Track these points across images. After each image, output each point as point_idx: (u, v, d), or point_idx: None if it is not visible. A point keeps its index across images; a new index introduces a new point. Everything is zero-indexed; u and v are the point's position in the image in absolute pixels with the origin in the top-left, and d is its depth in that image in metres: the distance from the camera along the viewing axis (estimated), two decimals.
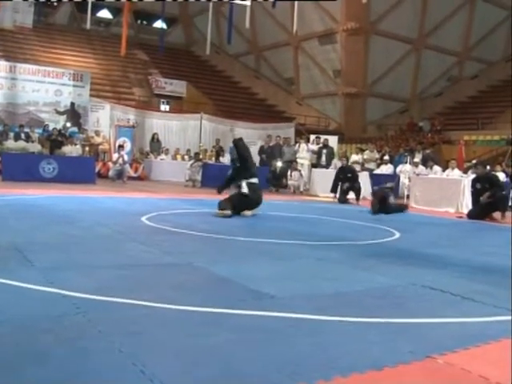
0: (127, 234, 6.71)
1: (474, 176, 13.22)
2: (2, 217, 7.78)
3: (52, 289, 3.83)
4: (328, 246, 6.73)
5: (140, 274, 4.53)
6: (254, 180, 10.24)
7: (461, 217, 12.61)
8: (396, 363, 2.82)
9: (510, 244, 7.29)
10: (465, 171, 17.30)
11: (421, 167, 18.43)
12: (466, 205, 13.77)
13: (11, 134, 21.35)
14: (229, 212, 9.43)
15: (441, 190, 13.88)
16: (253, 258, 5.68)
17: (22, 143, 20.37)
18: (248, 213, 9.85)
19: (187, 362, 2.71)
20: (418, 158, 19.83)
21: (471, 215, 12.30)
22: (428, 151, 21.39)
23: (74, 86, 25.46)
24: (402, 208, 12.65)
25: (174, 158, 24.20)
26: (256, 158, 23.13)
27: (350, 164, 17.74)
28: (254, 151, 23.48)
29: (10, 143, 20.41)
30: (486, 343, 3.21)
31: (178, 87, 34.10)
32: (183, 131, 27.42)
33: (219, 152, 22.77)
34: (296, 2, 23.48)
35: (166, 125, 27.20)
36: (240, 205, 9.89)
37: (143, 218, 8.31)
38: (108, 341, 2.89)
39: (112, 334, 2.98)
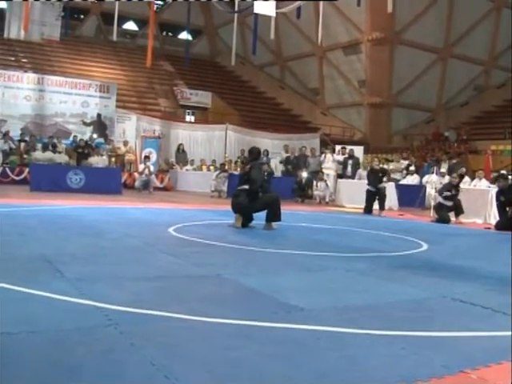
0: (156, 246, 6.74)
1: (497, 189, 13.16)
2: (31, 228, 7.87)
3: (83, 300, 3.86)
4: (357, 258, 6.71)
5: (170, 286, 4.55)
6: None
7: (489, 228, 12.49)
8: (429, 377, 2.79)
9: (510, 253, 7.25)
10: (492, 181, 17.14)
11: (447, 177, 18.28)
12: (494, 215, 13.66)
13: (39, 145, 21.65)
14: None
15: (468, 201, 13.75)
16: (281, 269, 5.68)
17: (49, 154, 20.63)
18: (274, 225, 9.71)
19: (218, 374, 2.71)
20: (444, 168, 19.69)
21: (499, 226, 12.21)
22: (454, 161, 21.22)
23: (100, 97, 25.75)
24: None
25: (200, 168, 24.30)
26: (279, 168, 23.22)
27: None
28: (278, 162, 23.57)
29: (38, 154, 20.69)
30: None
31: (204, 98, 34.28)
32: (208, 142, 27.55)
33: (244, 162, 22.81)
34: (321, 13, 23.47)
35: (191, 135, 27.35)
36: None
37: (170, 229, 8.35)
38: (140, 353, 2.90)
39: (144, 347, 3.00)
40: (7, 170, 20.02)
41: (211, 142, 27.51)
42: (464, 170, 13.89)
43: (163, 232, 8.10)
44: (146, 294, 4.19)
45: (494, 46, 34.95)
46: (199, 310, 3.74)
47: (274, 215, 9.61)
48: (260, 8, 19.60)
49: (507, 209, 12.22)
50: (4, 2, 34.43)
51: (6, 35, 32.88)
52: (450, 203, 13.47)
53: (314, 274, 5.52)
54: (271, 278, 5.13)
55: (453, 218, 13.53)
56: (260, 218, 9.66)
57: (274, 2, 19.58)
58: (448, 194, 13.57)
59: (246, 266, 5.76)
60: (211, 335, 3.32)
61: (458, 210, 13.48)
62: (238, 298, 4.30)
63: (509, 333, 3.67)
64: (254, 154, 10.32)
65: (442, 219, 13.29)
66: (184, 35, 40.36)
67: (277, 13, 21.67)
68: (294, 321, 3.66)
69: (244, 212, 9.65)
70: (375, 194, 15.19)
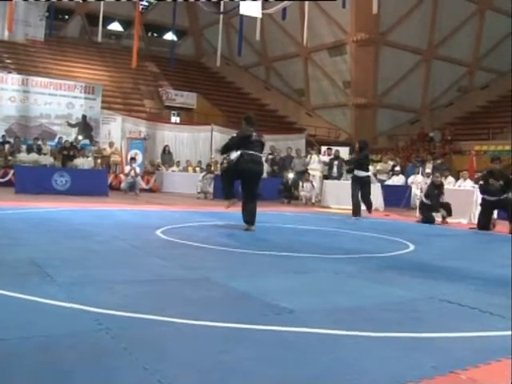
0: (144, 249, 6.74)
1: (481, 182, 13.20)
2: (17, 230, 7.83)
3: (73, 305, 3.85)
4: (344, 259, 6.74)
5: (160, 290, 4.55)
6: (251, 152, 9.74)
7: (473, 228, 12.59)
8: (419, 378, 2.82)
9: (511, 254, 7.31)
10: (476, 181, 17.27)
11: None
12: None
13: (23, 147, 21.52)
14: (253, 228, 9.43)
15: (453, 201, 13.84)
16: (270, 271, 5.70)
17: (34, 156, 20.51)
18: (252, 228, 9.49)
19: (212, 378, 2.73)
20: (429, 169, 19.83)
21: (480, 225, 12.27)
22: (439, 161, 21.37)
23: (85, 98, 25.67)
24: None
25: (186, 169, 24.28)
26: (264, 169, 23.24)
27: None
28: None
29: (23, 156, 20.56)
30: (507, 358, 3.21)
31: (189, 99, 34.26)
32: (194, 143, 27.53)
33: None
34: (306, 14, 23.54)
35: (176, 137, 27.32)
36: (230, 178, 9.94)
37: (158, 232, 8.34)
38: (133, 358, 2.91)
39: (136, 351, 3.00)
40: None
41: (197, 143, 27.49)
42: (438, 180, 14.08)
43: (151, 234, 8.09)
44: (136, 298, 4.19)
45: (477, 47, 35.25)
46: (190, 314, 3.75)
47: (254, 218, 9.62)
48: (246, 9, 19.64)
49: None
50: None
51: None
52: (429, 202, 13.56)
53: (302, 276, 5.54)
54: (260, 281, 5.15)
55: (438, 219, 13.61)
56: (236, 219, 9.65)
57: (260, 3, 19.60)
58: (429, 192, 13.70)
59: (235, 269, 5.78)
60: (202, 339, 3.33)
61: (447, 211, 13.53)
62: (227, 301, 4.32)
63: (496, 333, 3.73)
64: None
65: (427, 220, 13.37)
66: (169, 36, 40.31)
67: (262, 14, 21.71)
68: (284, 323, 3.68)
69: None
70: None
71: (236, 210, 10.16)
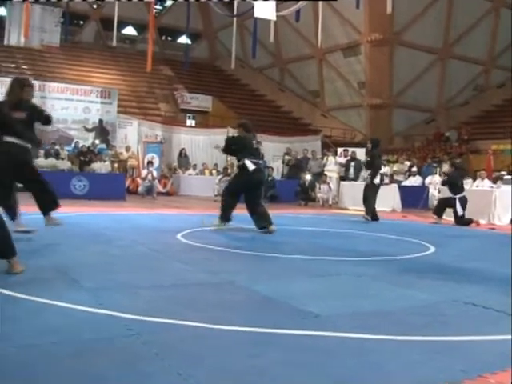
0: (165, 253, 6.79)
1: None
2: (39, 236, 7.87)
3: (102, 310, 3.90)
4: (366, 262, 6.75)
5: (185, 294, 4.59)
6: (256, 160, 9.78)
7: (493, 228, 12.55)
8: (447, 382, 2.84)
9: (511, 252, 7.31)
10: (494, 181, 17.21)
11: None
12: (498, 216, 13.73)
13: (41, 152, 21.69)
14: (273, 227, 9.44)
15: (471, 201, 13.78)
16: (292, 275, 5.72)
17: (52, 161, 20.71)
18: (273, 228, 9.51)
19: (244, 382, 2.77)
20: (446, 169, 19.75)
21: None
22: (457, 161, 21.26)
23: (101, 103, 25.84)
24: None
25: (202, 172, 24.36)
26: (280, 171, 23.30)
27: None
28: (279, 164, 23.68)
29: (41, 161, 20.71)
30: None
31: (204, 102, 34.39)
32: (210, 146, 27.56)
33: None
34: (320, 16, 23.54)
35: (192, 140, 27.41)
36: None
37: (179, 236, 8.39)
38: (165, 363, 2.95)
39: (168, 356, 3.04)
40: None
41: (213, 146, 27.52)
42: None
43: (172, 238, 8.14)
44: (162, 303, 4.24)
45: (493, 45, 35.05)
46: (216, 318, 3.79)
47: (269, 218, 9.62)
48: (260, 12, 19.68)
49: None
50: (4, 9, 34.56)
51: (6, 42, 32.95)
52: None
53: (325, 279, 5.56)
54: (283, 284, 5.17)
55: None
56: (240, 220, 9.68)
57: (274, 6, 19.63)
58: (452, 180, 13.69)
59: (257, 272, 5.81)
60: (232, 343, 3.36)
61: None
62: (252, 305, 4.35)
63: None
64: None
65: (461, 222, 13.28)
66: (183, 39, 40.46)
67: (276, 16, 21.73)
68: (310, 327, 3.70)
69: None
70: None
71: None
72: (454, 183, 13.34)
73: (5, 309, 3.91)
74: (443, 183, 14.20)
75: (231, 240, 8.45)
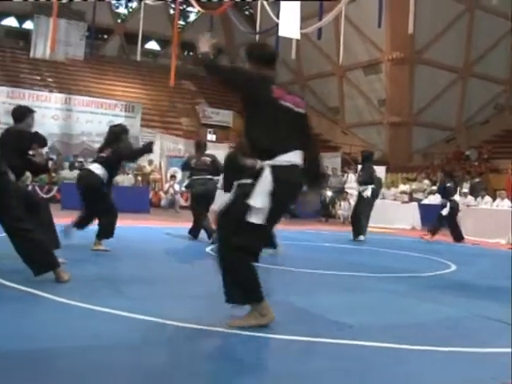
0: (199, 265, 7.09)
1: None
2: (75, 247, 8.14)
3: (151, 318, 4.14)
4: (392, 278, 6.99)
5: (225, 304, 4.84)
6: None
7: None
8: None
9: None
10: None
11: (469, 197, 18.50)
12: None
13: (66, 164, 22.15)
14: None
15: (491, 221, 13.93)
16: (322, 289, 5.98)
17: (76, 173, 21.06)
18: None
19: None
20: (466, 188, 19.88)
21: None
22: (477, 180, 21.40)
23: (125, 116, 26.28)
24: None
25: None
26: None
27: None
28: None
29: (66, 173, 21.19)
30: None
31: (225, 117, 34.70)
32: None
33: None
34: (342, 33, 23.82)
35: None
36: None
37: (208, 249, 8.66)
38: (216, 366, 3.21)
39: (221, 362, 3.31)
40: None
41: None
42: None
43: (202, 252, 8.42)
44: (206, 311, 4.51)
45: None
46: (258, 327, 4.02)
47: None
48: (285, 31, 19.96)
49: None
50: (31, 23, 35.24)
51: (31, 55, 33.59)
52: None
53: (355, 294, 5.81)
54: (315, 298, 5.42)
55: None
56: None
57: (299, 24, 19.89)
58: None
59: (289, 286, 6.05)
60: (277, 350, 3.62)
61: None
62: (291, 316, 4.60)
63: None
64: None
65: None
66: None
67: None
68: (347, 337, 3.95)
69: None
70: None
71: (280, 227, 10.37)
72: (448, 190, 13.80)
73: (57, 314, 4.20)
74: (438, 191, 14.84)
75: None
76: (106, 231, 7.97)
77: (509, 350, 3.85)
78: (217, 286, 5.51)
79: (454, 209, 13.45)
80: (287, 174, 4.03)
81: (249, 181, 7.37)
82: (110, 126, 8.81)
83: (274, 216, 4.07)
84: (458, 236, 13.46)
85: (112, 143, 8.13)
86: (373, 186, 12.81)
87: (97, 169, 8.09)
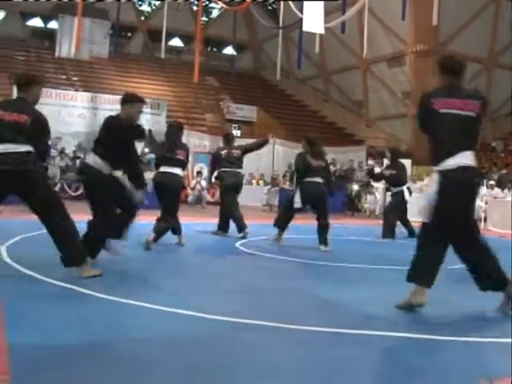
0: (231, 260, 7.25)
1: None
2: None
3: (190, 312, 4.29)
4: None
5: (256, 299, 5.00)
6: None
7: None
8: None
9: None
10: None
11: (496, 189, 18.42)
12: None
13: None
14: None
15: None
16: (351, 282, 6.10)
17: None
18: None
19: (325, 375, 3.16)
20: (493, 180, 19.78)
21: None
22: (504, 172, 21.29)
23: (151, 114, 26.46)
24: None
25: (250, 182, 24.76)
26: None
27: None
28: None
29: None
30: None
31: (249, 112, 34.79)
32: (256, 156, 27.96)
33: (293, 177, 23.24)
34: (365, 26, 23.82)
35: None
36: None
37: (238, 244, 8.82)
38: (254, 357, 3.36)
39: (254, 351, 3.46)
40: (65, 186, 20.79)
41: (259, 157, 27.93)
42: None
43: (232, 247, 8.58)
44: (241, 306, 4.66)
45: None
46: (293, 320, 4.16)
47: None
48: (309, 26, 20.02)
49: None
50: (55, 23, 35.65)
51: (57, 54, 34.00)
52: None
53: (383, 287, 5.90)
54: (345, 290, 5.54)
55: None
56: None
57: (323, 19, 19.93)
58: None
59: (319, 280, 6.20)
60: (310, 342, 3.77)
61: None
62: (323, 308, 4.75)
63: None
64: None
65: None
66: (228, 50, 41.10)
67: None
68: (376, 328, 4.07)
69: None
70: None
71: (304, 222, 10.52)
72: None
73: (101, 309, 4.38)
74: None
75: (288, 249, 8.85)
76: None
77: None
78: (245, 284, 5.70)
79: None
80: (454, 177, 4.52)
81: (315, 179, 8.13)
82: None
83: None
84: None
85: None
86: (408, 185, 12.52)
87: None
